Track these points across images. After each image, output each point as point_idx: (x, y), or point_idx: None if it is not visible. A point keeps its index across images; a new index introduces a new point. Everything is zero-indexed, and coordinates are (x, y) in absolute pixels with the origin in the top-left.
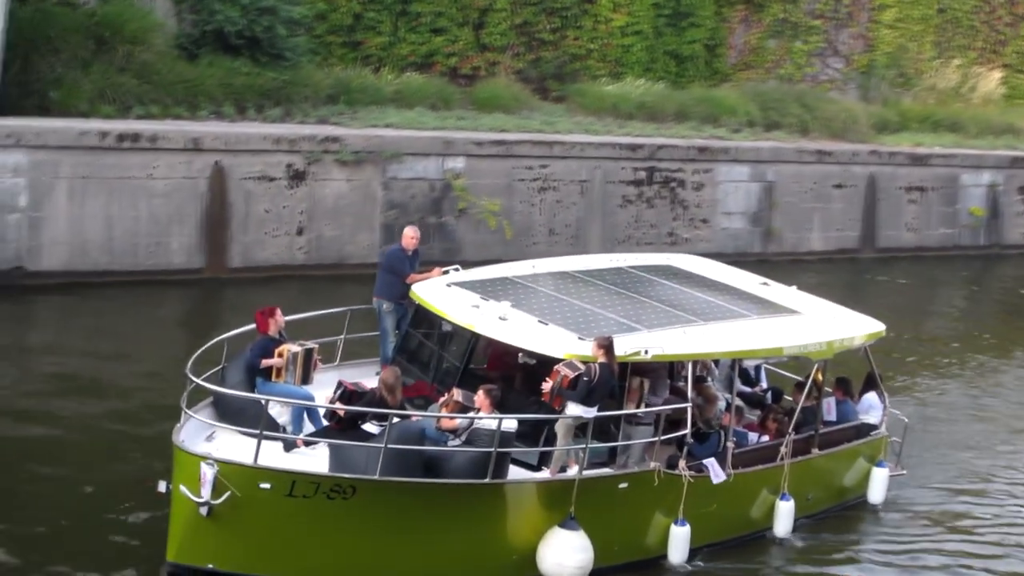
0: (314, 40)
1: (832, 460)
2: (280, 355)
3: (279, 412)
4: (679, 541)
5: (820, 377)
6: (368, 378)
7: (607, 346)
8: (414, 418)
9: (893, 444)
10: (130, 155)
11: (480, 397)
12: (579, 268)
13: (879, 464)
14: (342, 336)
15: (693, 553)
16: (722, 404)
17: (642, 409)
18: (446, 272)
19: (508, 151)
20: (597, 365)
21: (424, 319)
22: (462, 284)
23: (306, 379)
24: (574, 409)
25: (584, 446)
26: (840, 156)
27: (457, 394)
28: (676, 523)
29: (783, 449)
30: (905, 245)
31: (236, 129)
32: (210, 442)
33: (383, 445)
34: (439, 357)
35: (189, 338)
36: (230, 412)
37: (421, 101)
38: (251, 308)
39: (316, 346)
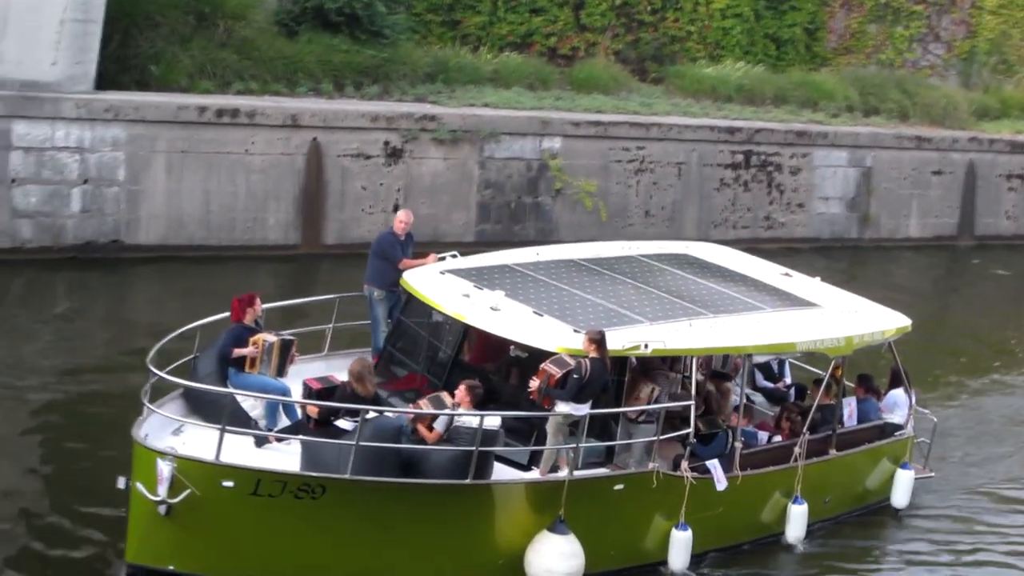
0: (413, 18)
1: (852, 461)
2: (254, 344)
3: (253, 405)
4: (680, 546)
5: (839, 374)
6: (343, 371)
7: (599, 340)
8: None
9: (921, 445)
10: (228, 131)
11: (461, 392)
12: (586, 256)
13: (903, 466)
14: (330, 325)
15: (698, 559)
16: (736, 400)
17: (637, 407)
18: (442, 259)
19: (605, 132)
20: (588, 360)
21: (416, 308)
22: (456, 272)
23: (281, 371)
24: (564, 407)
25: (575, 445)
26: (939, 143)
27: (425, 404)
28: (677, 527)
29: (797, 450)
30: (1003, 233)
31: (334, 106)
32: (177, 436)
33: (354, 443)
34: (430, 348)
35: (282, 315)
36: (201, 405)
37: (519, 81)
38: (345, 285)
39: (295, 339)
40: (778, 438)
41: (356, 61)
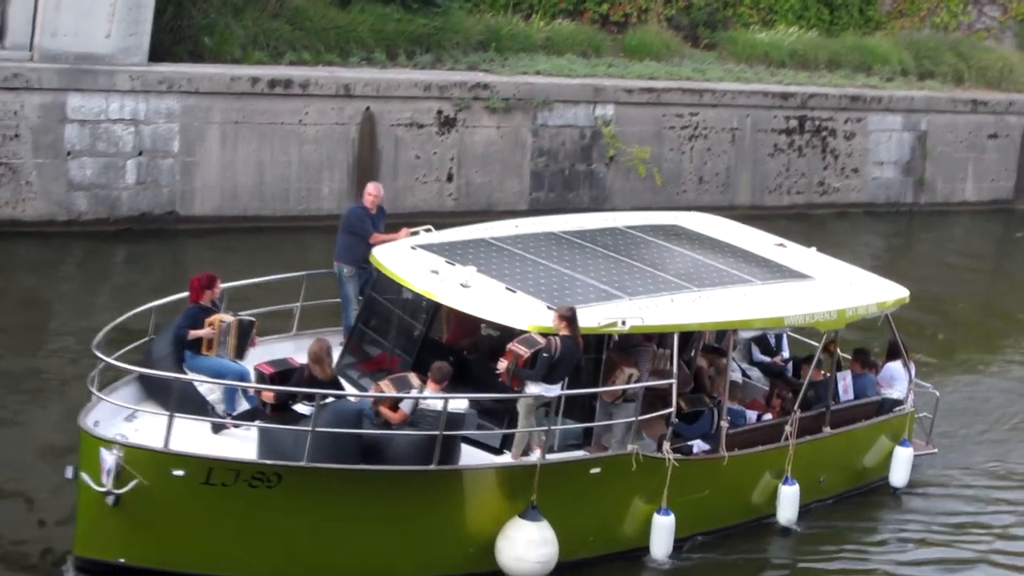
0: None
1: (847, 439)
2: (211, 325)
3: (211, 389)
4: (662, 532)
5: (834, 349)
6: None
7: (569, 317)
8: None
9: (923, 420)
10: (281, 101)
11: (414, 376)
12: (568, 229)
13: (902, 443)
14: (298, 304)
15: (682, 543)
16: (735, 376)
17: (615, 386)
18: (415, 233)
19: (658, 99)
20: (558, 339)
21: (386, 285)
22: (428, 247)
23: (241, 353)
24: (534, 388)
25: (546, 428)
26: (995, 106)
27: (387, 386)
28: (659, 512)
29: (788, 428)
30: None
31: (386, 75)
32: (131, 423)
33: (310, 428)
34: (400, 327)
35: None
36: (156, 389)
37: (571, 48)
38: None
39: (255, 320)
40: (769, 416)
41: (408, 30)
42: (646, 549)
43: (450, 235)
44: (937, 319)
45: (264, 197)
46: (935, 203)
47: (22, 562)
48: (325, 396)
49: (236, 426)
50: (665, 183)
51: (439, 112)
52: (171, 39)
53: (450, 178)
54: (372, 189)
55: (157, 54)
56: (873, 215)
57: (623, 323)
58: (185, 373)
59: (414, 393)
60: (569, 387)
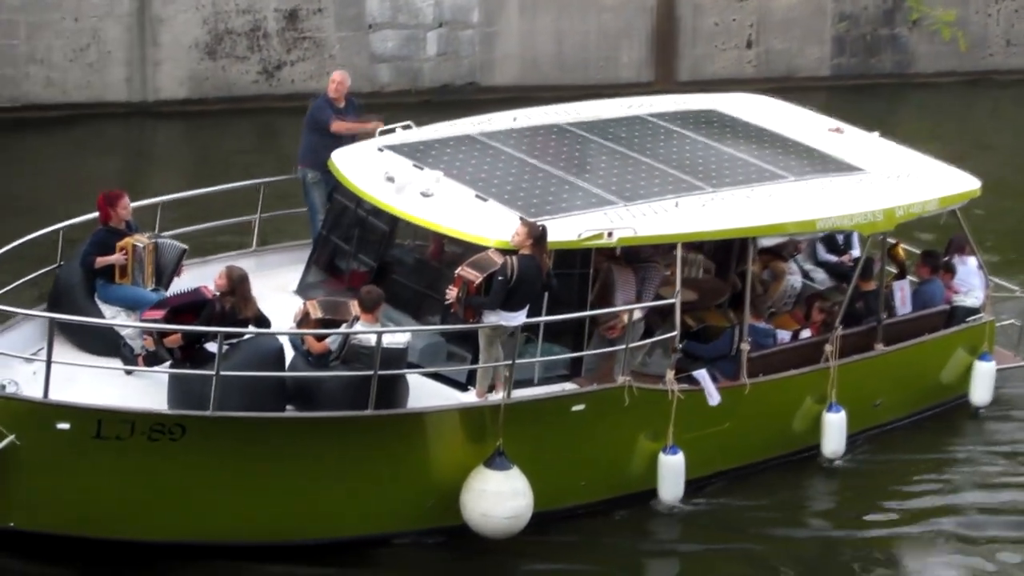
0: None
1: (907, 356)
2: (122, 250)
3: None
4: (670, 472)
5: (896, 253)
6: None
7: (539, 235)
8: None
9: (1009, 329)
10: None
11: (356, 304)
12: (577, 120)
13: (983, 357)
14: (256, 216)
15: (704, 482)
16: (794, 281)
17: (589, 311)
18: (390, 130)
19: None
20: (515, 259)
21: (346, 191)
22: (399, 147)
23: (162, 280)
24: (492, 317)
25: (509, 363)
26: None
27: (314, 307)
28: (665, 451)
29: (828, 348)
30: None
31: None
32: (31, 365)
33: (214, 372)
34: (362, 240)
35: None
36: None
37: None
38: None
39: (184, 246)
40: (808, 333)
41: None
42: (653, 493)
43: (431, 132)
44: None
45: (563, 66)
46: None
47: None
48: (229, 334)
49: (128, 372)
50: (970, 47)
51: None
52: None
53: (749, 45)
54: (338, 77)
55: None
56: None
57: (609, 235)
58: (95, 304)
59: (350, 321)
60: (551, 311)
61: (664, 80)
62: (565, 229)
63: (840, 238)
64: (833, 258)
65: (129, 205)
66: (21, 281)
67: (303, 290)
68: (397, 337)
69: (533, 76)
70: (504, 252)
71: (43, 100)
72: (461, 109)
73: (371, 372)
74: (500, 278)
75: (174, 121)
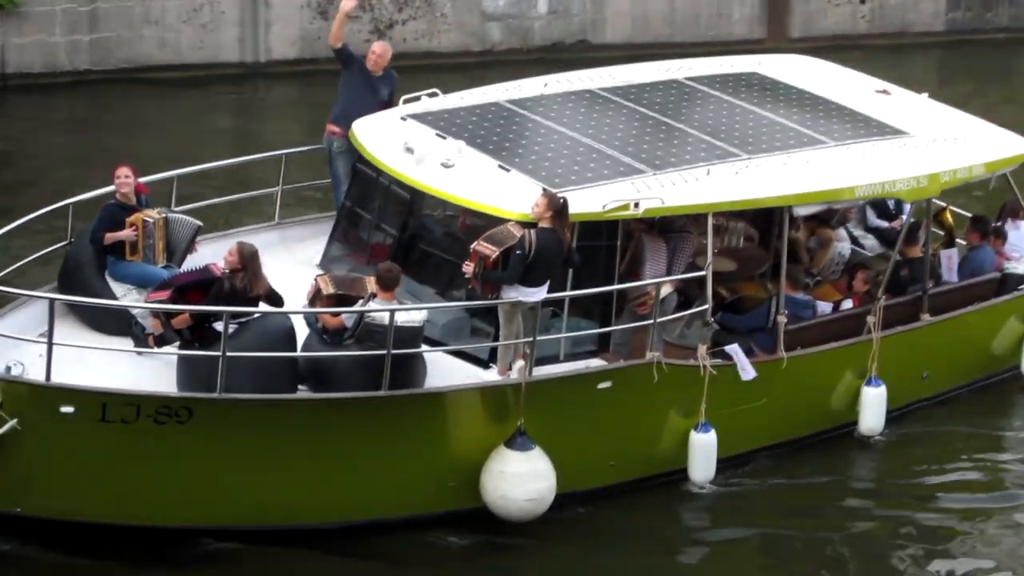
0: None
1: (956, 326)
2: (131, 226)
3: (136, 301)
4: (701, 451)
5: (945, 219)
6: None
7: (558, 207)
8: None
9: None
10: None
11: (372, 281)
12: (611, 85)
13: None
14: (278, 188)
15: (740, 460)
16: (842, 248)
17: (617, 284)
18: (414, 98)
19: None
20: (534, 232)
21: (369, 164)
22: (422, 116)
23: (173, 256)
24: (511, 292)
25: (530, 339)
26: None
27: (326, 283)
28: (697, 429)
29: (870, 319)
30: None
31: None
32: (39, 345)
33: (220, 354)
34: (382, 212)
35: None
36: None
37: None
38: None
39: (198, 223)
40: (849, 304)
41: None
42: (683, 472)
43: (456, 100)
44: None
45: (675, 23)
46: None
47: None
48: (239, 313)
49: (140, 353)
50: None
51: None
52: None
53: (864, 2)
54: (378, 48)
55: None
56: None
57: (635, 206)
58: (106, 282)
59: (366, 298)
60: (580, 284)
61: (776, 36)
62: (591, 200)
63: (891, 203)
64: (884, 224)
65: (131, 178)
66: (28, 259)
67: (326, 264)
68: (413, 315)
69: (644, 33)
70: (524, 225)
71: (157, 61)
72: (572, 67)
73: (383, 352)
74: (518, 252)
75: (285, 81)
